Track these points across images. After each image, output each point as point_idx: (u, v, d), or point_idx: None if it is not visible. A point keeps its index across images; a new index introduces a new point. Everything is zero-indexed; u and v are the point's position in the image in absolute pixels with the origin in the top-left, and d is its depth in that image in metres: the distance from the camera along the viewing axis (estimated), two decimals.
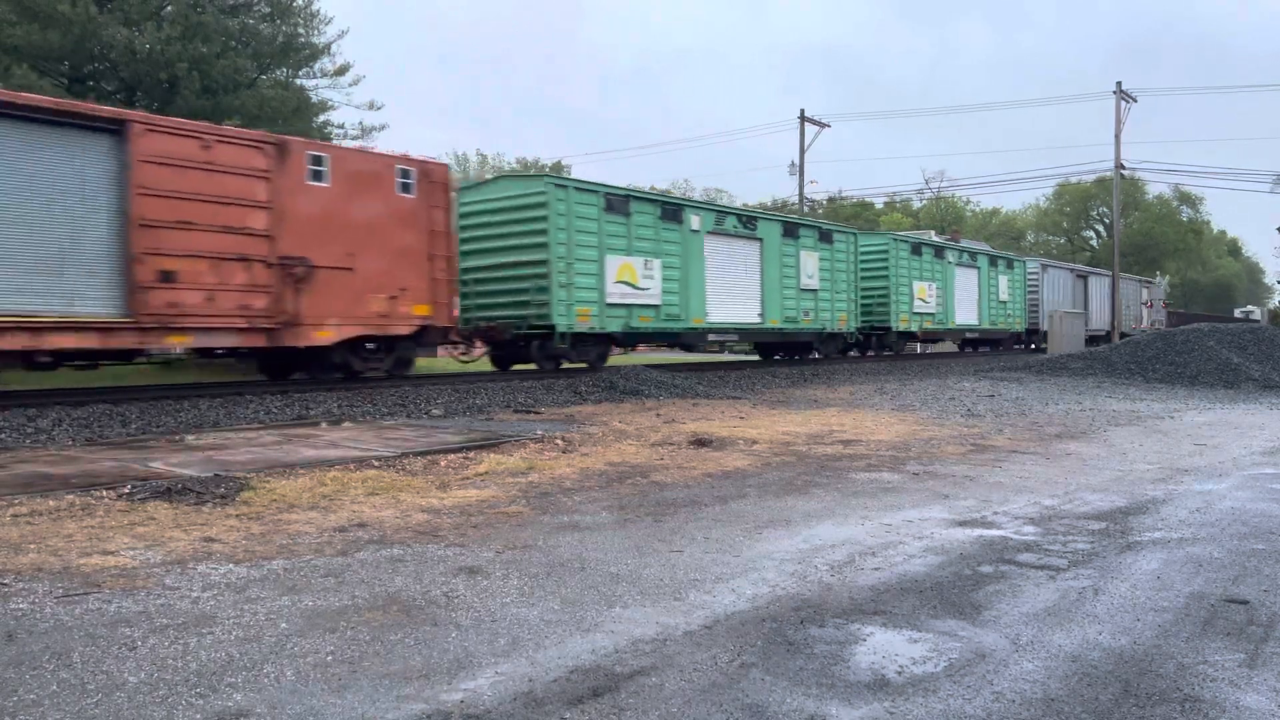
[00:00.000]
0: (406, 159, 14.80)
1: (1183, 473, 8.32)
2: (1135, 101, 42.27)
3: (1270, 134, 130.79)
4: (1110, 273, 42.66)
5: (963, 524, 6.02)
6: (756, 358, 27.63)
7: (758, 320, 21.66)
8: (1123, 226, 62.41)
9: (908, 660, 3.56)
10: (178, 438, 9.80)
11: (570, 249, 16.95)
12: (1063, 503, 6.80)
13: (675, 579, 4.65)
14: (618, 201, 17.99)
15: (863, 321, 25.83)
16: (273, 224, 12.76)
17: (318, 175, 13.39)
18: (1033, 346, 36.08)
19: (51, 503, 6.22)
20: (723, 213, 21.22)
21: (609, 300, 17.68)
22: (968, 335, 31.44)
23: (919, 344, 31.22)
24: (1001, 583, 4.65)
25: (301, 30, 28.42)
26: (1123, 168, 42.69)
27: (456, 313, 15.62)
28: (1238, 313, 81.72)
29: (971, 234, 69.07)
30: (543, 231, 16.65)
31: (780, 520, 6.06)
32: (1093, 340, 35.82)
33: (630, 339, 19.27)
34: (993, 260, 32.69)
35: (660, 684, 3.30)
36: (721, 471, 8.05)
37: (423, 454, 8.68)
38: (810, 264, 23.18)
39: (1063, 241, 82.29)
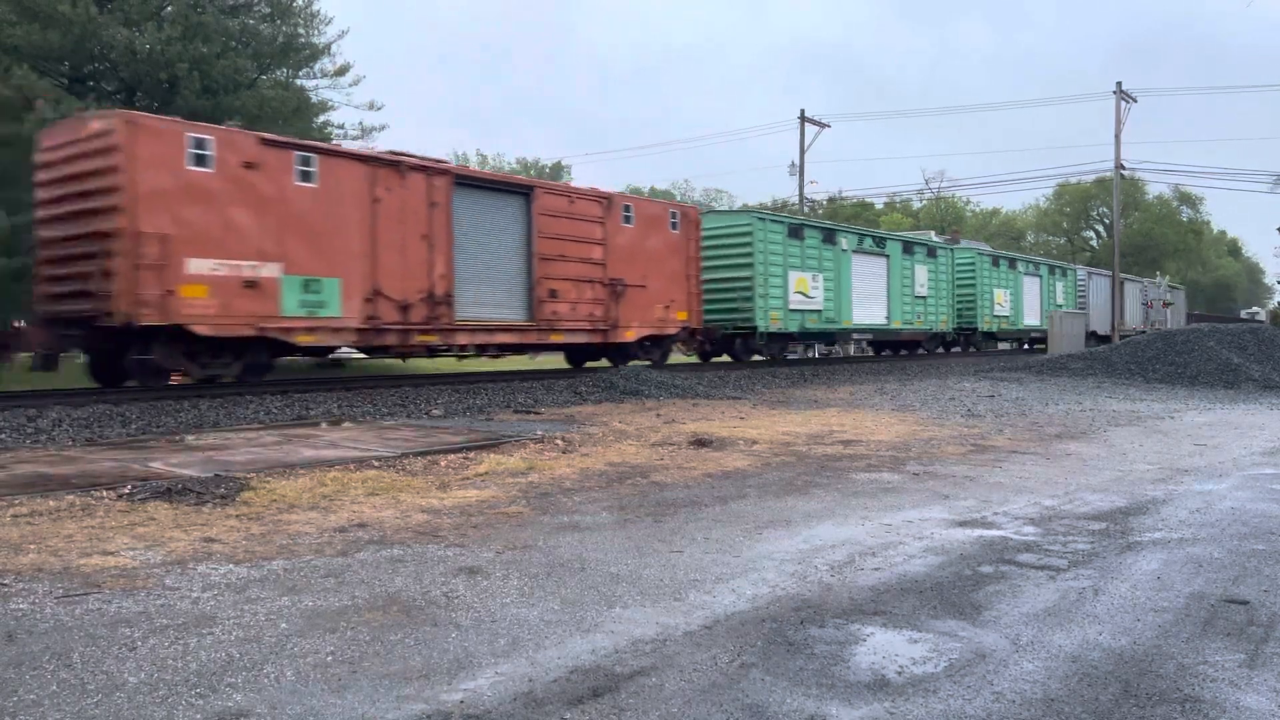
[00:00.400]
0: (676, 205, 21.04)
1: (1183, 473, 8.32)
2: (1135, 101, 42.29)
3: (1270, 134, 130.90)
4: (1143, 278, 45.06)
5: (963, 524, 6.02)
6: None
7: (885, 322, 26.45)
8: (1123, 227, 62.42)
9: (908, 660, 3.56)
10: (178, 438, 9.80)
11: (765, 267, 21.71)
12: (1063, 503, 6.80)
13: (675, 579, 4.65)
14: (795, 229, 23.02)
15: (955, 323, 30.67)
16: (604, 255, 17.83)
17: (628, 219, 18.47)
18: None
19: (51, 503, 6.22)
20: (862, 235, 26.45)
21: (790, 307, 22.52)
22: (1033, 335, 35.98)
23: (997, 342, 35.37)
24: (1001, 583, 4.65)
25: (301, 30, 28.42)
26: (1123, 168, 42.71)
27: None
28: (1243, 314, 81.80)
29: (971, 234, 69.08)
30: (748, 254, 21.52)
31: (780, 520, 6.06)
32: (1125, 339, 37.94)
33: (805, 337, 24.65)
34: (1050, 269, 38.10)
35: (660, 684, 3.30)
36: (721, 472, 8.05)
37: (423, 454, 8.69)
38: (921, 275, 27.97)
39: (1063, 242, 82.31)
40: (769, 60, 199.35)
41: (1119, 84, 41.54)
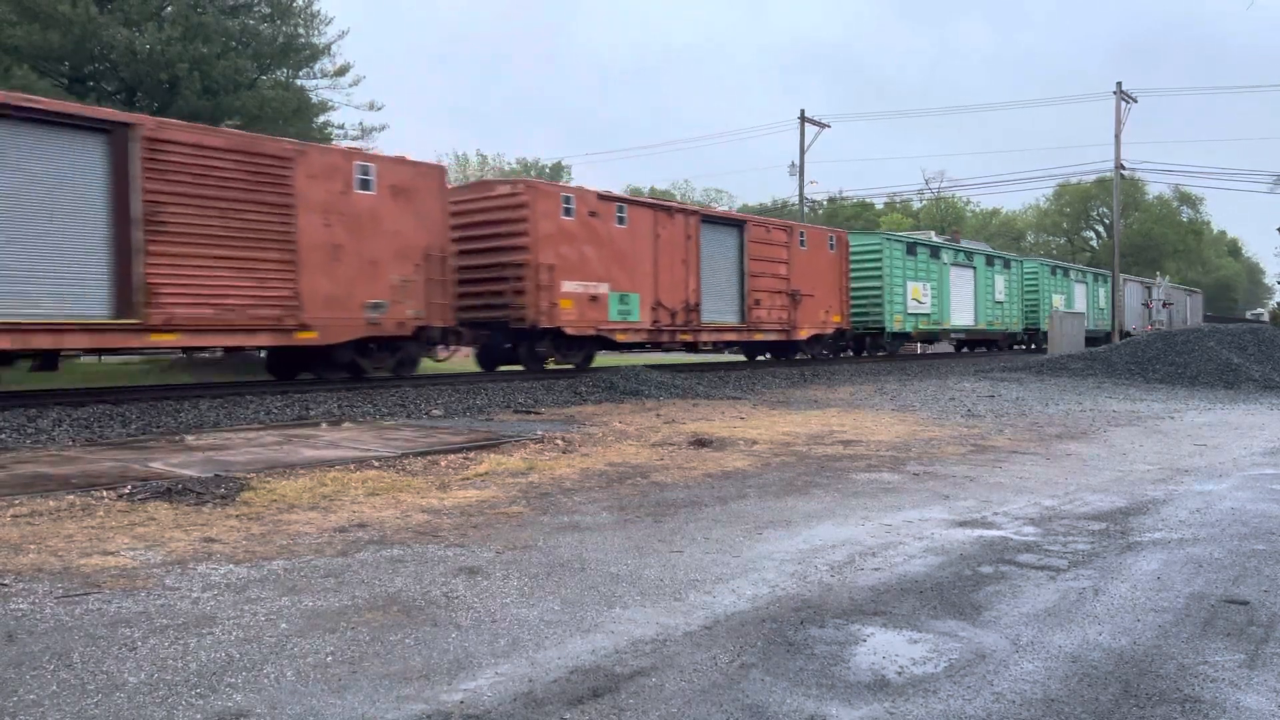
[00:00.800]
0: (833, 230, 25.61)
1: (1183, 473, 8.32)
2: (1135, 102, 42.31)
3: (1270, 134, 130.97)
4: (1167, 279, 47.68)
5: (963, 524, 6.02)
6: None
7: (973, 323, 31.59)
8: (1123, 227, 62.43)
9: (908, 661, 3.56)
10: (178, 438, 9.81)
11: (890, 278, 26.56)
12: (1063, 503, 6.80)
13: (675, 579, 4.65)
14: (910, 247, 28.17)
15: (1023, 323, 35.41)
16: (788, 272, 22.65)
17: (802, 243, 23.24)
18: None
19: (52, 503, 6.22)
20: (957, 250, 31.46)
21: (908, 311, 27.43)
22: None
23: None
24: (1001, 583, 4.65)
25: (301, 31, 28.45)
26: (1123, 168, 42.72)
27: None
28: (1249, 315, 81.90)
29: (971, 234, 69.09)
30: (878, 269, 26.50)
31: (780, 521, 6.06)
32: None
33: (917, 337, 29.37)
34: (1095, 276, 43.89)
35: (660, 684, 3.30)
36: (722, 472, 8.05)
37: (423, 454, 8.69)
38: (1000, 284, 33.42)
39: (1063, 242, 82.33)
40: (768, 60, 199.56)
41: (1119, 84, 41.57)
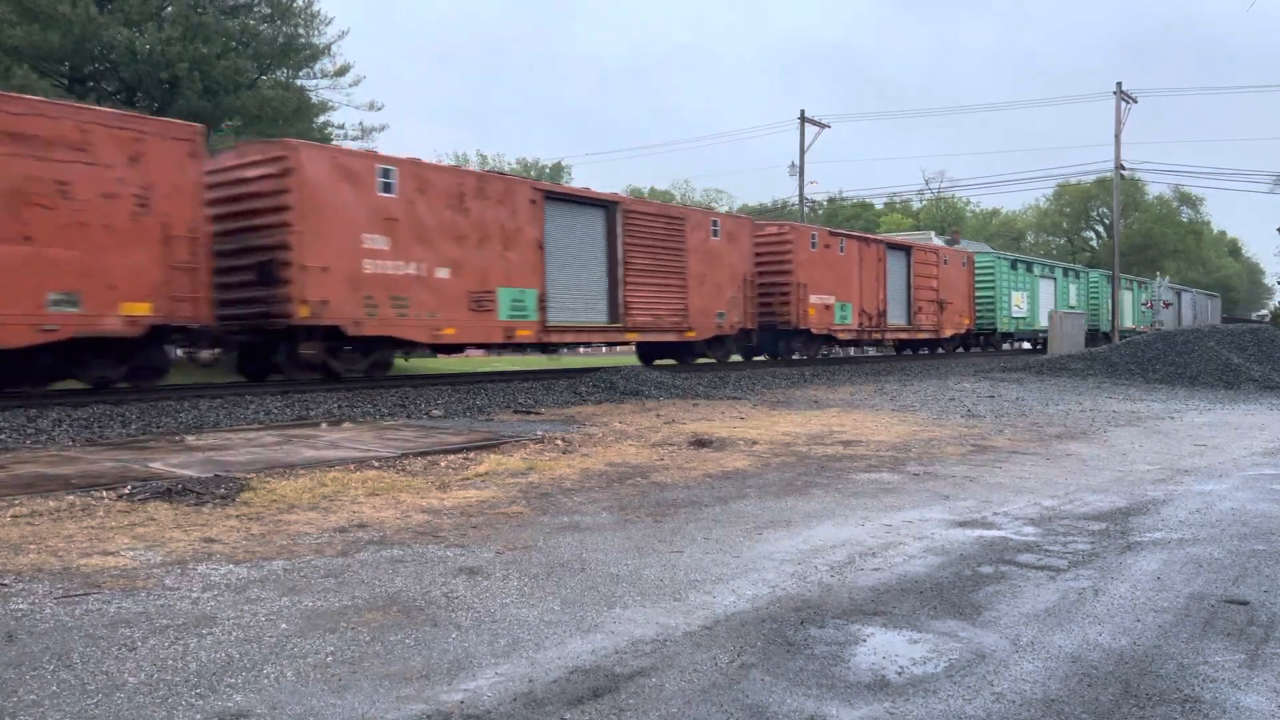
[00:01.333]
0: (964, 251, 33.08)
1: (1183, 473, 8.32)
2: (1135, 102, 42.29)
3: (1270, 134, 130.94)
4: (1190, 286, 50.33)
5: (963, 524, 6.02)
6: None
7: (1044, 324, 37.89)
8: (1123, 227, 62.43)
9: (908, 661, 3.56)
10: (178, 438, 9.80)
11: (999, 288, 33.76)
12: (1063, 503, 6.80)
13: (675, 579, 4.65)
14: (1013, 263, 35.84)
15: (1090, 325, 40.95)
16: (937, 285, 29.45)
17: (946, 262, 30.12)
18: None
19: (52, 503, 6.22)
20: (1044, 264, 39.44)
21: (1011, 315, 34.54)
22: (1125, 333, 45.12)
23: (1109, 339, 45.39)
24: (1001, 583, 4.65)
25: (302, 31, 28.44)
26: (1123, 168, 42.71)
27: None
28: (1254, 316, 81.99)
29: (971, 234, 69.10)
30: (991, 280, 33.54)
31: (780, 521, 6.06)
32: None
33: (1017, 336, 35.88)
34: (1138, 284, 50.51)
35: (660, 684, 3.30)
36: (722, 472, 8.05)
37: (423, 454, 8.69)
38: (1073, 291, 40.94)
39: (1063, 242, 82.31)
40: (768, 59, 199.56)
41: (1119, 84, 41.56)
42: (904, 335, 28.49)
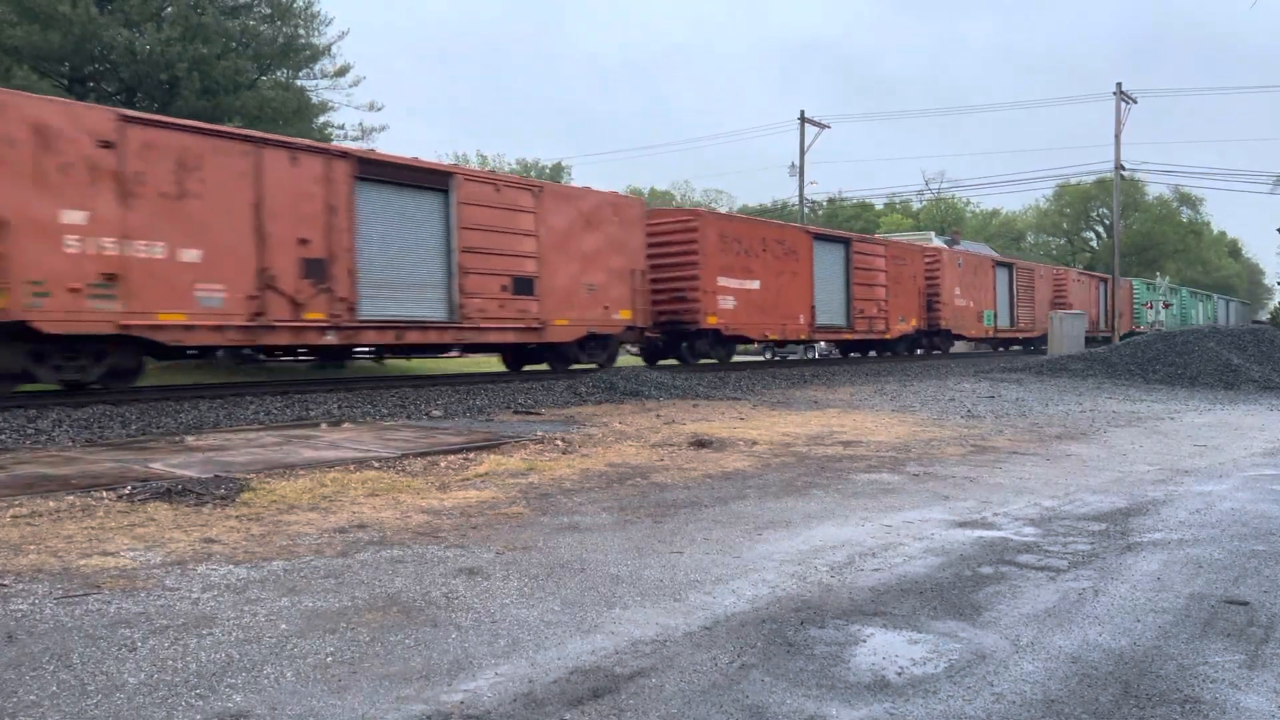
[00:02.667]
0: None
1: (1183, 474, 8.32)
2: (1135, 102, 42.31)
3: (1270, 134, 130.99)
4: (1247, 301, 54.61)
5: (963, 525, 6.02)
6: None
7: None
8: (1123, 227, 62.44)
9: (908, 661, 3.56)
10: (178, 438, 9.80)
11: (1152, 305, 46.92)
12: (1063, 504, 6.80)
13: (675, 580, 4.65)
14: (1148, 287, 48.33)
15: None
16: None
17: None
18: None
19: (51, 504, 6.22)
20: (1146, 282, 51.62)
21: (1148, 320, 45.81)
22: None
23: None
24: (1001, 584, 4.65)
25: (302, 31, 28.43)
26: (1123, 168, 42.72)
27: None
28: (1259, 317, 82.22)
29: (972, 235, 69.10)
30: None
31: (780, 521, 6.06)
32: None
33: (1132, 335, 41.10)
34: (1205, 296, 58.48)
35: (660, 685, 3.30)
36: (721, 472, 8.05)
37: (423, 455, 8.69)
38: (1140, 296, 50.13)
39: (1063, 242, 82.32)
40: (767, 58, 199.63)
41: (1119, 85, 41.58)
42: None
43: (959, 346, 34.14)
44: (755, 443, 9.94)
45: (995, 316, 33.17)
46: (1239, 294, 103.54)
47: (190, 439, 9.77)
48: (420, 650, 3.62)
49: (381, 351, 16.68)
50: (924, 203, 79.63)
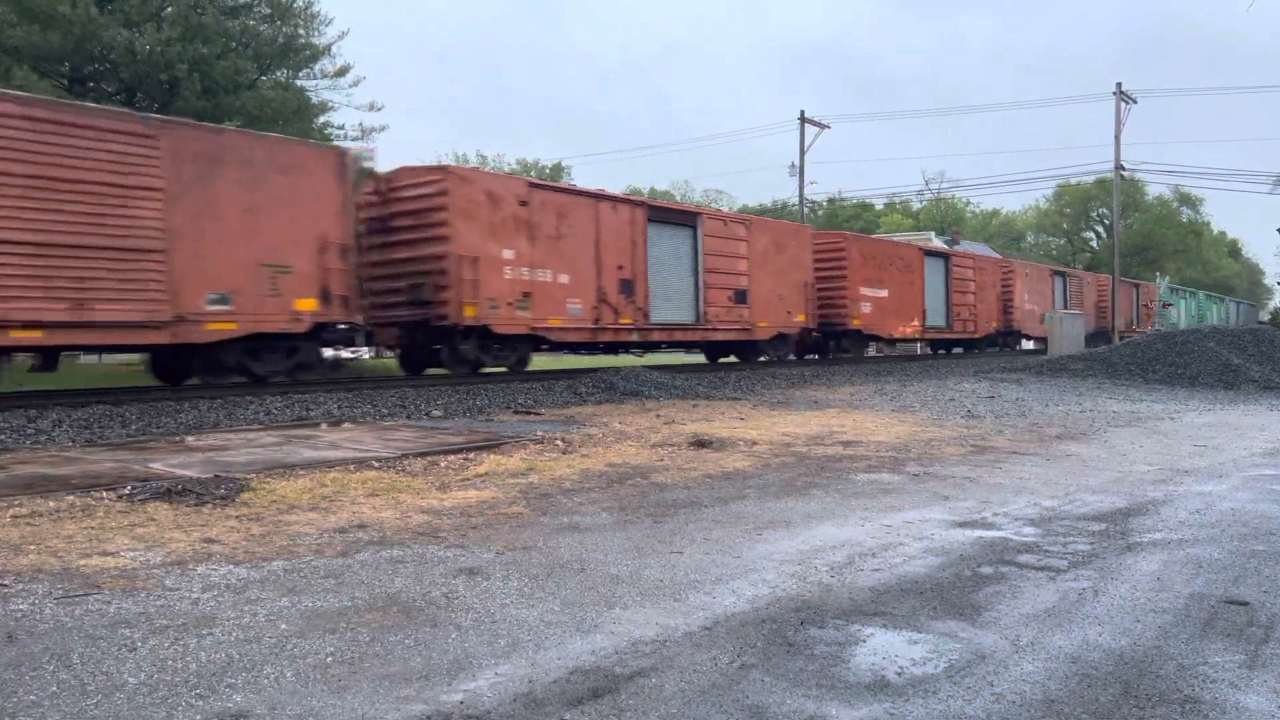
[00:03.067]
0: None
1: (1183, 474, 8.32)
2: (1135, 102, 42.32)
3: (1270, 134, 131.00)
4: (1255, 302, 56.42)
5: (963, 525, 6.02)
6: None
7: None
8: (1123, 228, 62.44)
9: (908, 661, 3.56)
10: (178, 438, 9.80)
11: (1171, 306, 49.80)
12: (1063, 504, 6.80)
13: (675, 580, 4.65)
14: (1174, 290, 51.38)
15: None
16: (1130, 304, 47.36)
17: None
18: None
19: (51, 504, 6.22)
20: (1179, 289, 54.45)
21: (1170, 321, 46.98)
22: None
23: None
24: (1001, 584, 4.65)
25: (301, 31, 28.44)
26: (1123, 169, 42.72)
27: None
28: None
29: (971, 235, 69.10)
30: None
31: (780, 521, 6.06)
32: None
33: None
34: (1236, 304, 63.20)
35: (660, 685, 3.30)
36: (721, 472, 8.05)
37: (423, 455, 8.69)
38: (1185, 306, 53.91)
39: (1063, 242, 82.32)
40: (766, 57, 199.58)
41: (1119, 85, 41.58)
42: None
43: (1024, 344, 38.21)
44: (755, 443, 9.94)
45: (1045, 319, 37.35)
46: (1239, 294, 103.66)
47: (190, 439, 9.77)
48: (420, 650, 3.62)
49: (652, 348, 21.37)
50: (924, 203, 79.64)
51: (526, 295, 16.76)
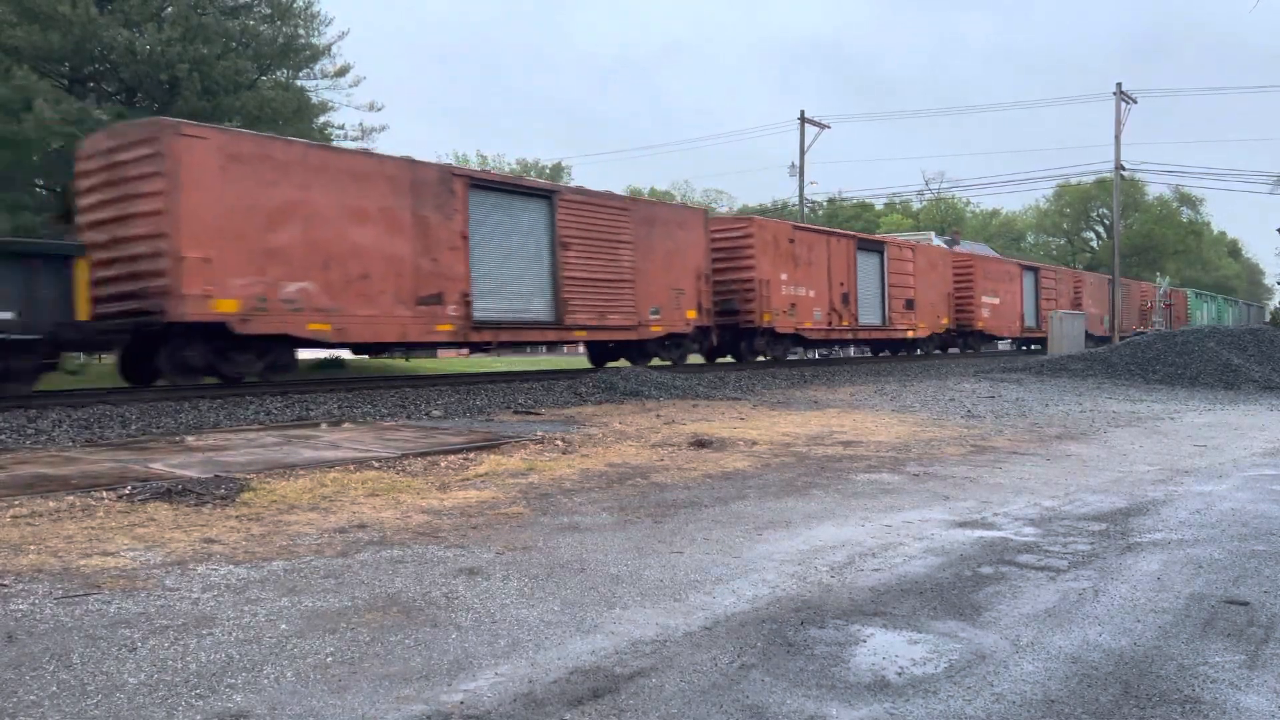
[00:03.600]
0: (1154, 285, 52.48)
1: (1183, 474, 8.32)
2: (1135, 102, 42.33)
3: (1271, 134, 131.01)
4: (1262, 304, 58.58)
5: (963, 525, 6.02)
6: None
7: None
8: (1123, 228, 62.45)
9: (908, 661, 3.56)
10: (178, 438, 9.80)
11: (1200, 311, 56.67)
12: (1063, 504, 6.80)
13: (675, 580, 4.65)
14: (1205, 297, 58.85)
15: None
16: (1134, 303, 50.47)
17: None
18: None
19: (51, 504, 6.22)
20: (1205, 295, 59.19)
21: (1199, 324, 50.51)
22: None
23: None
24: (1001, 584, 4.65)
25: (302, 31, 28.43)
26: (1123, 169, 42.72)
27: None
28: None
29: (971, 235, 69.11)
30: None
31: (780, 521, 6.06)
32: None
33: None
34: (1214, 298, 64.60)
35: (660, 685, 3.30)
36: (721, 473, 8.05)
37: (423, 455, 8.69)
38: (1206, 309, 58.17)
39: (1063, 243, 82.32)
40: (765, 56, 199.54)
41: (1119, 85, 41.59)
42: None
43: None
44: (755, 443, 9.94)
45: (1104, 320, 43.27)
46: (1239, 294, 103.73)
47: (190, 439, 9.77)
48: (420, 650, 3.62)
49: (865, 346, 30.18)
50: (924, 203, 79.64)
51: (793, 306, 23.41)
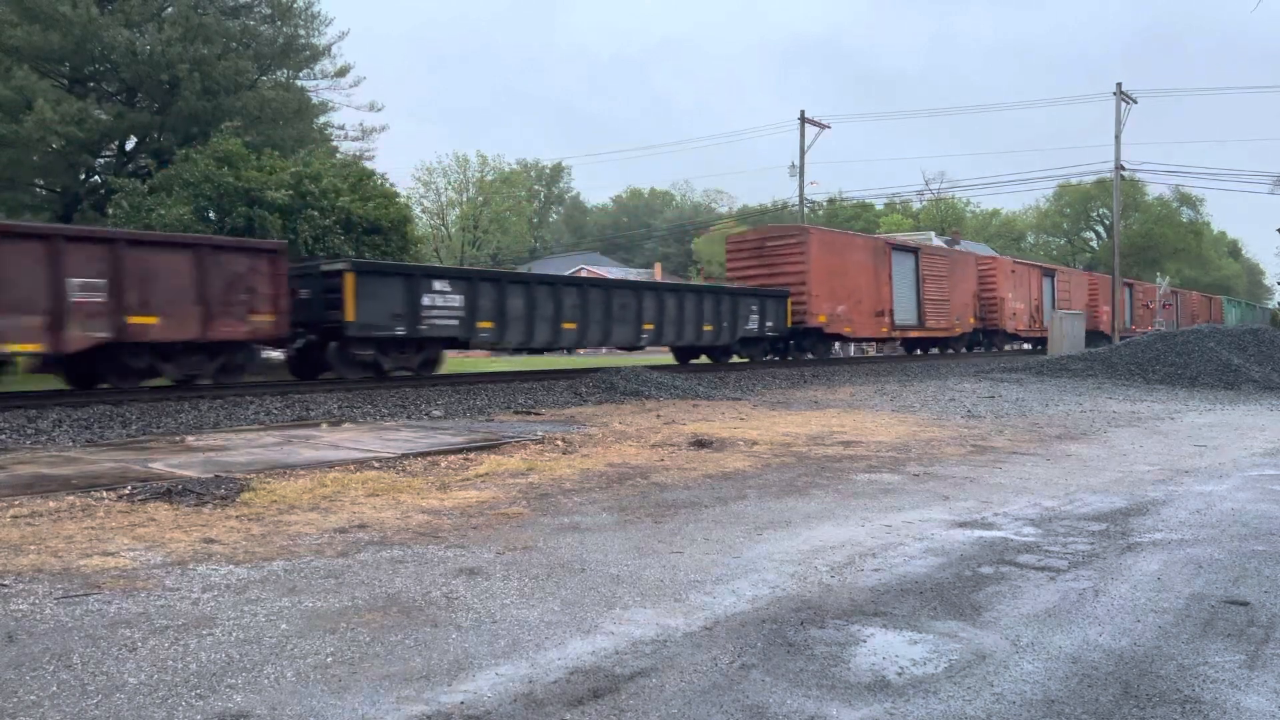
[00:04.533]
0: (1180, 290, 58.06)
1: (1183, 474, 8.32)
2: (1135, 102, 42.30)
3: (1271, 134, 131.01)
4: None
5: (963, 525, 6.02)
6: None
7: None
8: (1123, 228, 62.46)
9: (908, 661, 3.56)
10: (178, 439, 9.80)
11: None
12: (1063, 504, 6.80)
13: (675, 580, 4.65)
14: (1235, 303, 65.53)
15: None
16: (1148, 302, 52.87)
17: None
18: None
19: (52, 504, 6.22)
20: (1235, 301, 66.14)
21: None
22: None
23: None
24: (1002, 584, 4.65)
25: (302, 32, 28.44)
26: (1123, 169, 42.72)
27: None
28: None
29: (971, 235, 69.10)
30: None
31: (780, 521, 6.06)
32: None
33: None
34: (1237, 303, 68.32)
35: (660, 685, 3.29)
36: (721, 473, 8.05)
37: (423, 455, 8.69)
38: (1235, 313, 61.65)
39: (1063, 243, 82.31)
40: (763, 53, 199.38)
41: (1119, 85, 41.57)
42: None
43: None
44: (755, 443, 9.94)
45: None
46: (1239, 294, 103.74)
47: (190, 439, 9.77)
48: (420, 650, 3.62)
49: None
50: (924, 203, 79.64)
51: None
